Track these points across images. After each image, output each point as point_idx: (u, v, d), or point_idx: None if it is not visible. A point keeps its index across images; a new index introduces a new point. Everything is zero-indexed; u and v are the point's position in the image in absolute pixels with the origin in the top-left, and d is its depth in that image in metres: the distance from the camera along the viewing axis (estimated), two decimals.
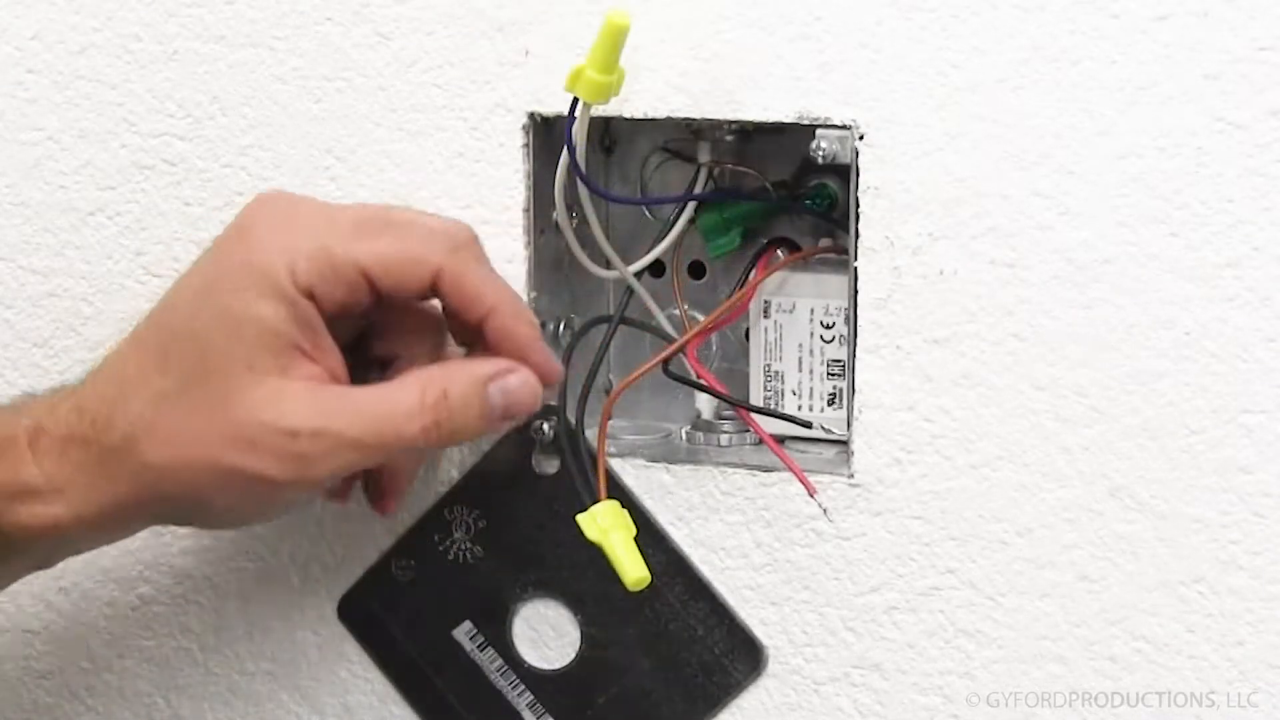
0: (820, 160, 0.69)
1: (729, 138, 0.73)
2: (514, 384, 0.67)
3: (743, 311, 0.74)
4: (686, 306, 0.76)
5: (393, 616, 0.77)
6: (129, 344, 0.68)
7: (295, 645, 0.79)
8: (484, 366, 0.67)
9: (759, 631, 0.73)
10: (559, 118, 0.71)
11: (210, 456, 0.65)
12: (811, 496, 0.71)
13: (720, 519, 0.72)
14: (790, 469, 0.70)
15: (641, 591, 0.67)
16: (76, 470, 0.66)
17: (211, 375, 0.65)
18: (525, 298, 0.74)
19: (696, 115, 0.70)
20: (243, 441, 0.64)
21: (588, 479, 0.70)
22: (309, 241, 0.65)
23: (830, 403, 0.74)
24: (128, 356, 0.67)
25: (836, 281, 0.73)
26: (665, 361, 0.71)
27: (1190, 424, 0.66)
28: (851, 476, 0.70)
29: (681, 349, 0.72)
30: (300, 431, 0.64)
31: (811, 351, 0.74)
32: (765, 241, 0.75)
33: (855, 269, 0.69)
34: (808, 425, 0.73)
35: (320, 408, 0.65)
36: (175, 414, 0.65)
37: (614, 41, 0.67)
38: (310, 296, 0.65)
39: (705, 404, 0.76)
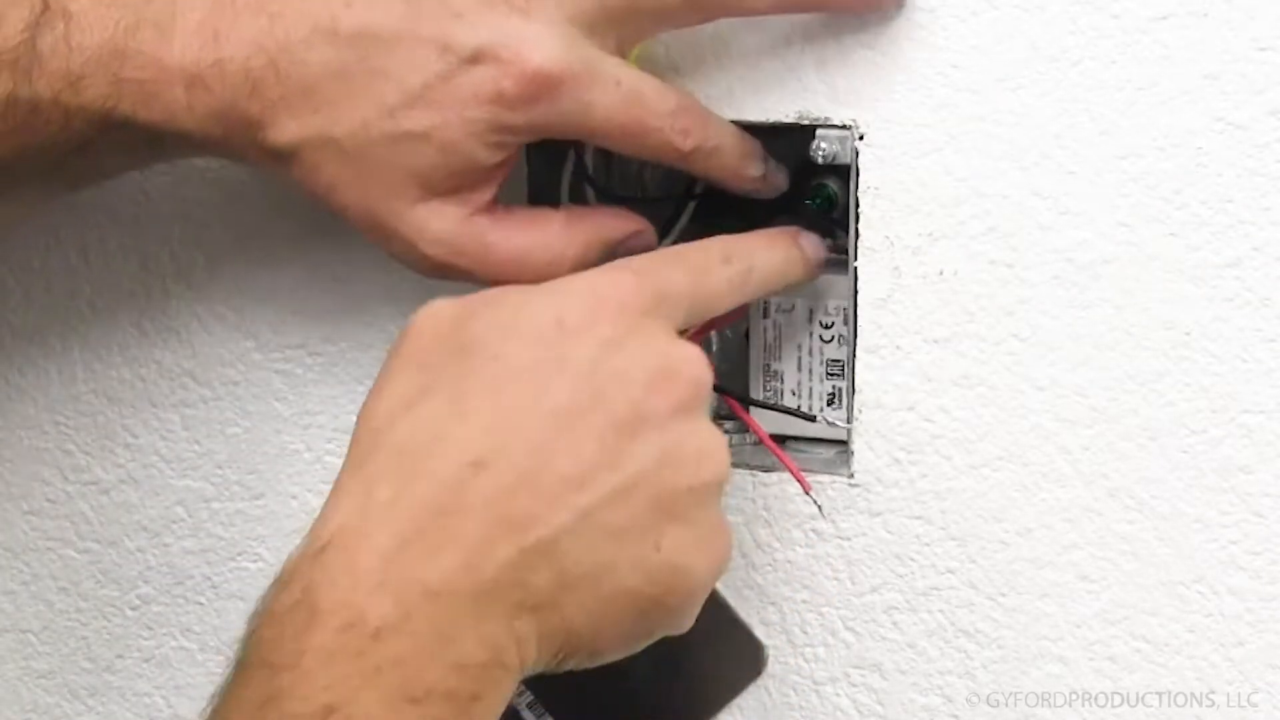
0: (820, 160, 0.69)
1: None
2: (636, 244, 0.70)
3: (743, 314, 0.74)
4: None
5: None
6: (325, 62, 0.64)
7: None
8: (615, 231, 0.69)
9: (759, 631, 0.73)
10: None
11: (346, 208, 0.66)
12: (807, 494, 0.71)
13: None
14: (787, 467, 0.70)
15: None
16: (228, 138, 0.66)
17: (391, 170, 0.65)
18: None
19: None
20: (377, 227, 0.66)
21: None
22: (560, 122, 0.65)
23: (829, 402, 0.74)
24: (319, 77, 0.64)
25: (836, 281, 0.73)
26: None
27: (1190, 424, 0.66)
28: (851, 476, 0.71)
29: None
30: (428, 258, 0.67)
31: (810, 351, 0.74)
32: None
33: (855, 269, 0.69)
34: (811, 419, 0.73)
35: (457, 246, 0.67)
36: (340, 170, 0.65)
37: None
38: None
39: None
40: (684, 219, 0.74)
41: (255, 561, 0.80)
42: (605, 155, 0.77)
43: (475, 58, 0.63)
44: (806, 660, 0.72)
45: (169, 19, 0.65)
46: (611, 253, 0.69)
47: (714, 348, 0.77)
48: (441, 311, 0.63)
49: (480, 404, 0.59)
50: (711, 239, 0.67)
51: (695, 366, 0.62)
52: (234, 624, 0.80)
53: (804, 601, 0.72)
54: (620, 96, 0.65)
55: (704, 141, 0.67)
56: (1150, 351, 0.66)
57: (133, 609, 0.82)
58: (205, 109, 0.65)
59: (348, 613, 0.56)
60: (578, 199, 0.74)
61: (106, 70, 0.65)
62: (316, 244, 0.76)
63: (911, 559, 0.70)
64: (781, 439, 0.74)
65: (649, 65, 0.70)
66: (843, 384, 0.74)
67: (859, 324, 0.69)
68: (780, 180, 0.71)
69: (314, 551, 0.58)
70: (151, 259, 0.78)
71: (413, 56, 0.63)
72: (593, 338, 0.60)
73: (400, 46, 0.64)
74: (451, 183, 0.65)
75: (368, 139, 0.64)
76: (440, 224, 0.66)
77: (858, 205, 0.69)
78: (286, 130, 0.65)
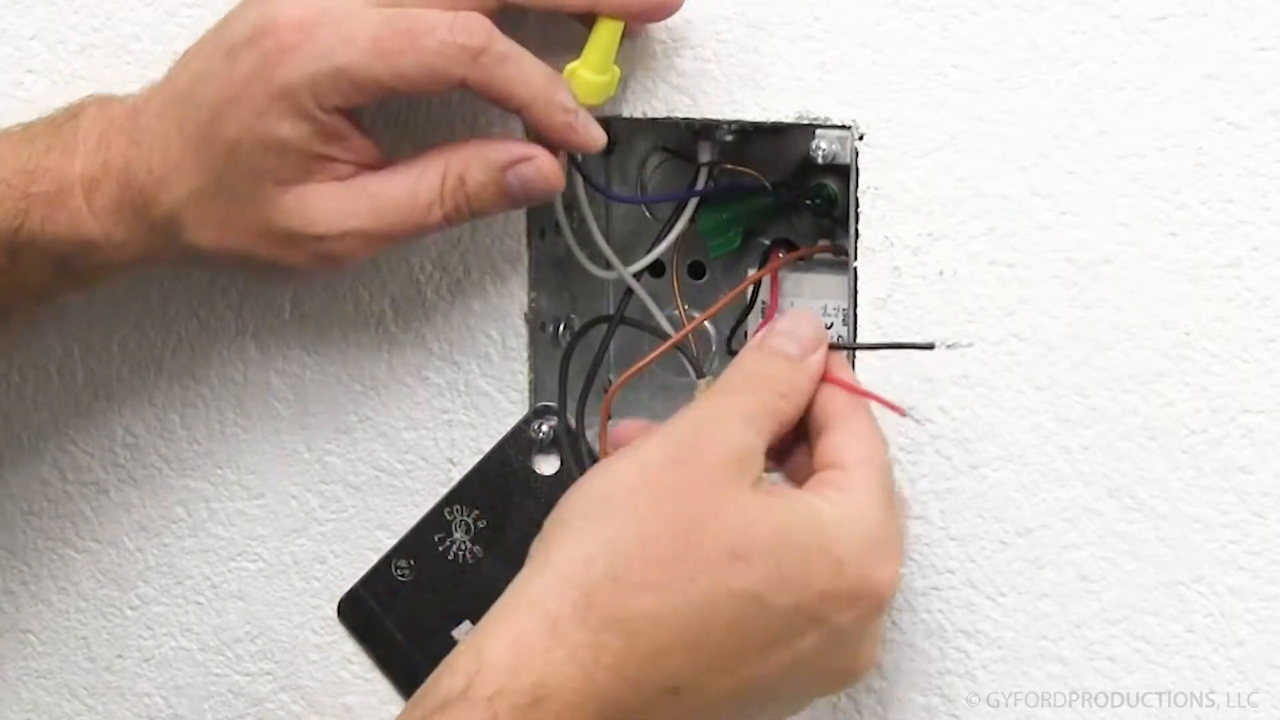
0: (820, 160, 0.69)
1: (729, 138, 0.73)
2: (529, 172, 0.68)
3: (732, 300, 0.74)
4: (686, 307, 0.76)
5: (392, 617, 0.77)
6: (170, 121, 0.69)
7: (295, 646, 0.80)
8: (500, 153, 0.68)
9: None
10: None
11: (247, 248, 0.69)
12: (902, 416, 0.68)
13: None
14: (876, 400, 0.68)
15: None
16: (131, 233, 0.70)
17: (241, 181, 0.67)
18: (525, 298, 0.74)
19: (696, 115, 0.70)
20: (276, 241, 0.68)
21: None
22: (328, 63, 0.66)
23: None
24: (170, 136, 0.69)
25: (834, 281, 0.73)
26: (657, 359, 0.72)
27: (1190, 424, 0.66)
28: None
29: (677, 346, 0.72)
30: (326, 236, 0.68)
31: None
32: (768, 244, 0.75)
33: (855, 269, 0.69)
34: (930, 347, 0.71)
35: (345, 209, 0.68)
36: (213, 208, 0.68)
37: (608, 41, 0.67)
38: (334, 111, 0.67)
39: None
40: (683, 219, 0.74)
41: (255, 561, 0.80)
42: (604, 157, 0.77)
43: (248, 41, 0.66)
44: None
45: (73, 142, 0.69)
46: (499, 175, 0.68)
47: (713, 348, 0.77)
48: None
49: None
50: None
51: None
52: (233, 624, 0.80)
53: None
54: (381, 18, 0.65)
55: (491, 44, 0.66)
56: (1150, 351, 0.66)
57: (132, 609, 0.82)
58: (102, 208, 0.69)
59: None
60: (572, 200, 0.73)
61: (15, 190, 0.69)
62: None
63: (911, 559, 0.70)
64: None
65: (646, 68, 0.70)
66: None
67: (859, 324, 0.69)
68: (596, 132, 0.69)
69: (525, 703, 0.59)
70: None
71: (208, 67, 0.68)
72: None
73: (207, 78, 0.67)
74: (300, 165, 0.67)
75: (216, 169, 0.67)
76: (321, 200, 0.68)
77: (858, 205, 0.69)
78: (166, 197, 0.68)
